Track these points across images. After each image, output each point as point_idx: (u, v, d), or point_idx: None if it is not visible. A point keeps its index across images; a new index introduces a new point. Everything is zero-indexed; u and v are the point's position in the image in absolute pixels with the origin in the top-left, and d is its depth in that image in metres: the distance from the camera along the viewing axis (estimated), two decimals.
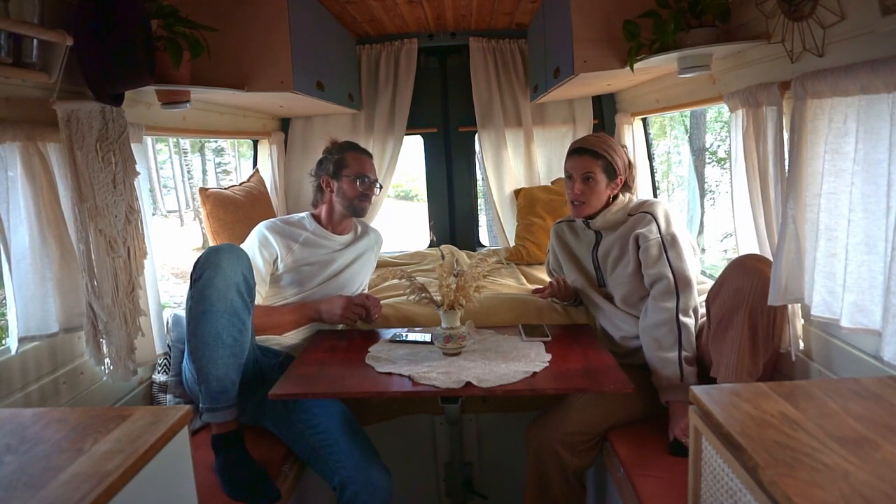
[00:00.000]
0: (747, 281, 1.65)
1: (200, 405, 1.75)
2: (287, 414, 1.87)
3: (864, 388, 1.05)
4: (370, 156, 2.37)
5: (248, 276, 1.81)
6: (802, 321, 1.68)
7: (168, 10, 1.89)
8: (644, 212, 2.02)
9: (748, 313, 1.64)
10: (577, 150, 2.08)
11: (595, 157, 2.04)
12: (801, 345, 1.68)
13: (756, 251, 1.78)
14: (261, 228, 2.23)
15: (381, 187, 2.43)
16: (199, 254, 1.81)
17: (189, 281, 1.82)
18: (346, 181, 2.26)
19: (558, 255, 2.30)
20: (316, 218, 2.33)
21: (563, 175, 2.34)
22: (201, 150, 18.01)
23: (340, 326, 2.27)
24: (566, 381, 1.69)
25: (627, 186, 2.13)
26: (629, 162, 2.12)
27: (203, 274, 1.74)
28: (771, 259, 1.65)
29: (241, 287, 1.76)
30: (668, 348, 1.86)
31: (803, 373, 1.67)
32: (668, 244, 1.93)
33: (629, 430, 1.91)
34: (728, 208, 1.92)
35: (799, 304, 1.62)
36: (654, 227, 1.97)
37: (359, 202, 2.28)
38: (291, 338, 2.14)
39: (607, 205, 2.10)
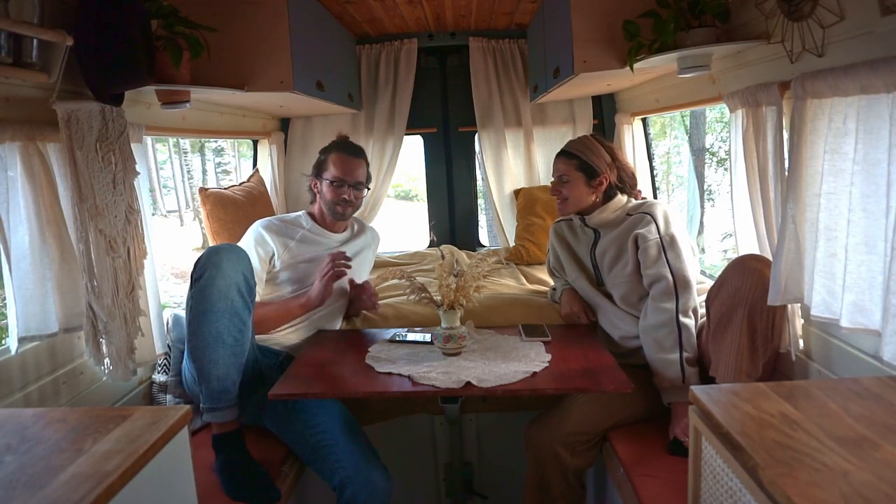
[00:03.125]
0: (747, 281, 1.66)
1: (201, 405, 1.75)
2: (287, 414, 1.87)
3: (864, 388, 1.06)
4: (357, 155, 2.29)
5: (249, 276, 1.81)
6: (802, 321, 1.68)
7: (168, 10, 1.89)
8: (643, 212, 2.03)
9: (747, 313, 1.65)
10: (556, 154, 2.20)
11: (569, 157, 2.14)
12: (801, 344, 1.68)
13: (755, 251, 1.79)
14: (257, 227, 2.24)
15: (368, 189, 2.33)
16: (199, 254, 1.81)
17: (189, 281, 1.82)
18: (326, 185, 2.25)
19: (558, 253, 2.30)
20: (312, 216, 2.34)
21: None
22: (201, 150, 18.01)
23: (340, 326, 2.27)
24: (566, 381, 1.69)
25: (622, 187, 2.14)
26: (613, 160, 2.13)
27: (204, 273, 1.73)
28: (771, 259, 1.66)
29: (241, 287, 1.76)
30: (670, 349, 1.86)
31: (803, 373, 1.67)
32: (667, 245, 1.94)
33: (629, 430, 1.91)
34: (728, 208, 1.93)
35: (799, 304, 1.61)
36: (653, 227, 1.98)
37: (339, 207, 2.24)
38: (292, 338, 2.14)
39: (603, 203, 2.13)
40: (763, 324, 1.65)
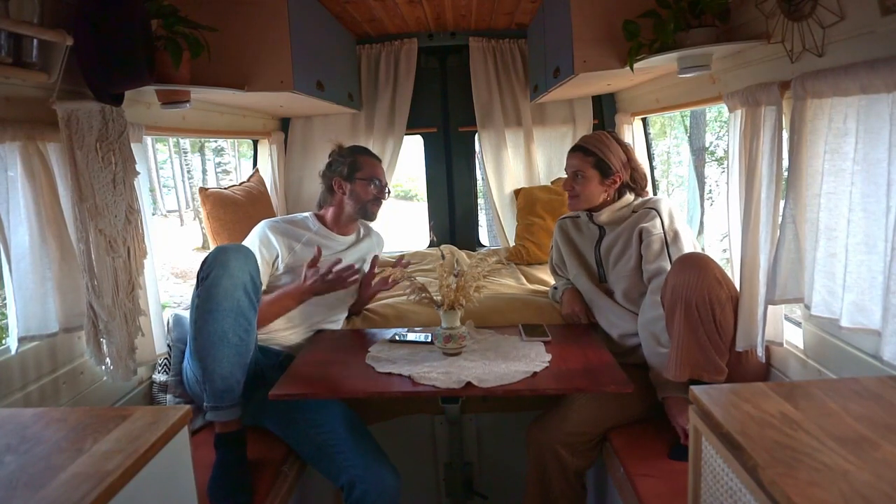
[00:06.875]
0: (683, 278, 1.73)
1: (204, 404, 1.75)
2: (289, 413, 1.86)
3: (864, 387, 1.06)
4: (380, 161, 2.40)
5: (256, 275, 1.81)
6: (764, 319, 1.66)
7: (168, 9, 1.89)
8: (648, 207, 2.05)
9: (684, 308, 1.72)
10: (572, 149, 2.17)
11: (586, 154, 2.12)
12: (759, 347, 1.68)
13: (745, 250, 1.78)
14: (263, 227, 2.21)
15: (389, 192, 2.40)
16: (199, 254, 1.82)
17: (196, 280, 1.81)
18: (360, 184, 2.26)
19: (561, 250, 2.30)
20: (320, 219, 2.31)
21: (563, 175, 2.38)
22: (201, 150, 17.99)
23: (340, 326, 2.27)
24: (566, 381, 1.69)
25: (633, 188, 2.14)
26: (629, 160, 2.14)
27: (211, 273, 1.73)
28: (709, 256, 1.80)
29: (248, 287, 1.76)
30: (666, 344, 1.86)
31: (803, 373, 1.67)
32: (671, 240, 1.96)
33: (629, 430, 1.91)
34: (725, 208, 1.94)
35: (768, 304, 1.62)
36: (657, 222, 1.99)
37: (371, 205, 2.29)
38: (292, 338, 2.13)
39: (612, 201, 2.14)
40: (706, 318, 1.71)
